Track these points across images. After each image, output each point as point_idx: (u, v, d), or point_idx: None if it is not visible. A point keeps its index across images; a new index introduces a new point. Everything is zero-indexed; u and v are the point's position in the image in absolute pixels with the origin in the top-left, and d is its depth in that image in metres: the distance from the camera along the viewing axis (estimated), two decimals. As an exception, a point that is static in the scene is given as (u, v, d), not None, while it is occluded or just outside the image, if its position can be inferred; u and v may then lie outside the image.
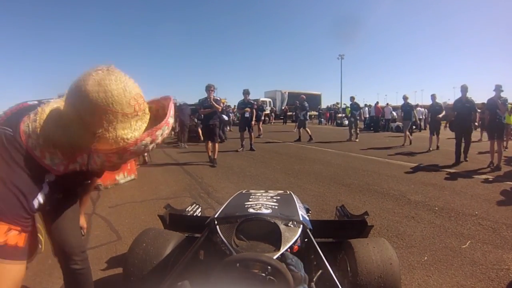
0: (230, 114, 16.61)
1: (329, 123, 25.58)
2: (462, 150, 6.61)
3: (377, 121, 17.71)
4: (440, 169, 6.12)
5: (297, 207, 1.72)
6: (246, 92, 8.87)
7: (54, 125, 0.82)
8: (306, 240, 1.44)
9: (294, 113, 18.68)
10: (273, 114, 27.50)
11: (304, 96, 12.27)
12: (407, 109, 10.07)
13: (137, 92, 0.80)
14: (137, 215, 3.56)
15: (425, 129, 14.82)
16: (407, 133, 9.87)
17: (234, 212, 1.55)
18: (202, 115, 7.10)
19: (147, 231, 1.70)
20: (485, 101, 7.16)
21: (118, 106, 0.74)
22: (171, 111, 0.84)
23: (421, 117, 15.97)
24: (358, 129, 12.11)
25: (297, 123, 12.64)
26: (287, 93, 29.20)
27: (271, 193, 2.03)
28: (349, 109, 13.58)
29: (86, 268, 1.46)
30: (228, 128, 15.64)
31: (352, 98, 12.31)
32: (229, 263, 1.06)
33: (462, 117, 6.57)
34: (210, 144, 6.78)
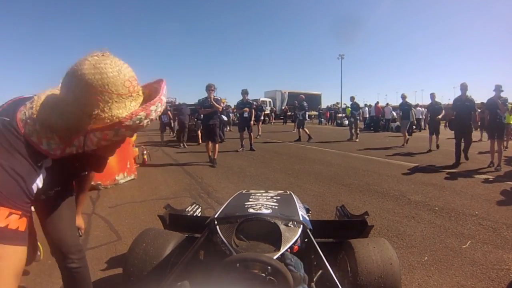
0: (230, 114, 16.62)
1: (329, 123, 25.59)
2: (462, 150, 6.57)
3: (377, 121, 17.71)
4: (440, 169, 6.13)
5: (297, 207, 1.72)
6: (244, 92, 8.86)
7: (51, 110, 0.84)
8: (306, 240, 1.44)
9: (293, 113, 18.68)
10: (273, 114, 27.51)
11: (303, 96, 12.26)
12: (405, 108, 9.95)
13: (132, 75, 0.84)
14: (137, 215, 3.55)
15: (425, 129, 14.80)
16: (404, 133, 9.83)
17: (234, 212, 1.55)
18: (202, 115, 7.10)
19: (147, 231, 1.70)
20: (485, 101, 7.17)
21: (113, 87, 0.78)
22: (163, 91, 0.87)
23: (420, 117, 15.98)
24: (358, 129, 12.12)
25: (296, 123, 12.63)
26: (287, 93, 29.22)
27: (271, 193, 2.03)
28: (349, 109, 13.59)
29: (84, 266, 1.46)
30: (228, 128, 15.65)
31: (352, 98, 12.32)
32: (229, 263, 1.06)
33: (461, 116, 6.49)
34: (210, 144, 6.78)
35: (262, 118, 13.97)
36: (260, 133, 13.06)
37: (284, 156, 8.00)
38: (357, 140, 11.44)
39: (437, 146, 8.51)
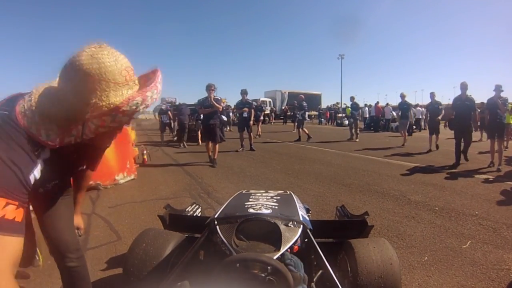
0: (230, 114, 16.63)
1: (329, 123, 25.59)
2: (461, 150, 6.54)
3: (377, 121, 17.71)
4: (440, 169, 6.12)
5: (297, 207, 1.72)
6: (244, 92, 8.85)
7: (49, 100, 0.86)
8: (306, 240, 1.44)
9: (292, 113, 18.67)
10: (273, 114, 27.52)
11: (303, 96, 12.26)
12: (404, 108, 9.87)
13: (128, 65, 0.86)
14: (137, 215, 3.55)
15: (425, 129, 14.80)
16: (403, 133, 9.78)
17: (234, 212, 1.55)
18: (202, 115, 7.08)
19: (147, 231, 1.70)
20: (485, 101, 7.15)
21: (111, 75, 0.81)
22: (159, 79, 0.89)
23: (420, 117, 15.97)
24: (358, 129, 12.11)
25: (296, 123, 12.63)
26: (287, 93, 29.21)
27: (271, 193, 2.03)
28: (349, 109, 13.59)
29: (82, 266, 1.46)
30: (228, 128, 15.64)
31: (352, 98, 12.32)
32: (229, 263, 1.06)
33: (461, 116, 6.40)
34: (210, 144, 6.77)
35: (261, 118, 13.95)
36: (259, 133, 13.02)
37: (284, 156, 8.00)
38: (357, 140, 11.44)
39: (437, 147, 8.46)
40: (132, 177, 5.29)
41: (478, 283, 2.12)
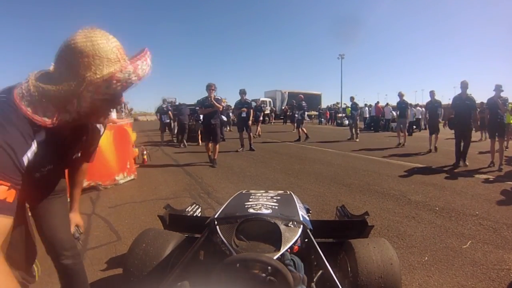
0: (230, 114, 16.62)
1: (329, 123, 25.58)
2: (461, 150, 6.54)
3: (377, 121, 17.70)
4: (440, 169, 6.12)
5: (297, 207, 1.72)
6: (242, 92, 8.84)
7: (45, 81, 0.91)
8: (306, 240, 1.44)
9: (291, 113, 18.63)
10: (273, 114, 27.51)
11: (302, 96, 12.27)
12: (402, 107, 9.80)
13: (118, 44, 0.92)
14: (137, 215, 3.55)
15: (425, 128, 14.79)
16: (400, 133, 9.71)
17: (234, 212, 1.55)
18: (202, 115, 7.07)
19: (146, 231, 1.70)
20: (485, 101, 7.13)
21: (104, 52, 0.87)
22: (147, 54, 0.95)
23: (420, 116, 15.96)
24: (358, 129, 12.11)
25: (295, 123, 12.63)
26: (287, 93, 29.20)
27: (271, 193, 2.02)
28: (349, 109, 13.60)
29: (78, 263, 1.47)
30: (228, 128, 15.64)
31: (351, 98, 12.33)
32: (229, 264, 1.06)
33: (461, 115, 6.34)
34: (209, 144, 6.76)
35: (261, 118, 13.93)
36: (258, 133, 12.97)
37: (284, 156, 7.99)
38: (357, 140, 11.43)
39: (435, 149, 8.20)
40: (132, 177, 5.29)
41: (478, 283, 2.12)
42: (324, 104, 31.86)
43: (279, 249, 1.24)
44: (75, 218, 1.53)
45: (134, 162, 5.88)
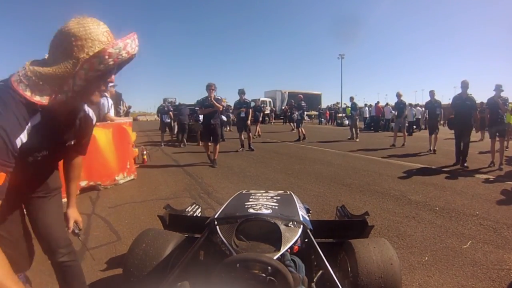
0: (231, 115, 16.62)
1: (330, 123, 25.58)
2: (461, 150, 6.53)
3: (377, 120, 17.71)
4: (440, 169, 6.12)
5: (297, 207, 1.72)
6: (241, 92, 8.83)
7: (42, 63, 0.97)
8: (306, 240, 1.44)
9: (289, 113, 18.64)
10: (273, 114, 27.51)
11: (302, 96, 12.28)
12: (400, 107, 9.78)
13: (108, 29, 0.99)
14: (136, 216, 3.55)
15: (425, 128, 14.79)
16: (398, 133, 9.71)
17: (234, 213, 1.54)
18: (201, 115, 7.05)
19: (146, 231, 1.69)
20: (485, 101, 7.13)
21: (95, 36, 0.95)
22: (135, 35, 1.01)
23: (419, 116, 15.96)
24: (358, 129, 12.11)
25: (295, 123, 12.64)
26: (287, 93, 29.19)
27: (271, 193, 2.02)
28: (349, 109, 13.61)
29: (74, 260, 1.48)
30: (228, 128, 15.63)
31: (351, 98, 12.36)
32: (229, 264, 1.06)
33: (462, 115, 6.32)
34: (209, 144, 6.75)
35: (260, 119, 13.92)
36: (257, 133, 12.95)
37: (284, 156, 7.99)
38: (357, 140, 11.44)
39: (434, 151, 8.03)
40: (132, 177, 5.29)
41: (478, 283, 2.12)
42: (324, 104, 31.91)
43: (279, 249, 1.24)
44: (73, 214, 1.53)
45: (134, 162, 5.87)
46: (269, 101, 28.63)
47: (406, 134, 10.29)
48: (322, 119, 26.23)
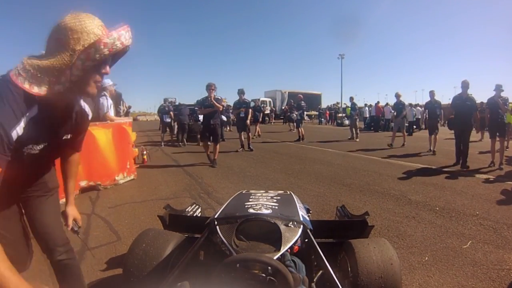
0: (230, 115, 16.62)
1: (330, 123, 25.59)
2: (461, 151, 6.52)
3: (377, 120, 17.71)
4: (440, 169, 6.12)
5: (297, 207, 1.72)
6: (240, 92, 8.83)
7: (39, 57, 1.00)
8: (306, 240, 1.44)
9: (289, 113, 18.64)
10: (273, 114, 27.51)
11: (301, 96, 12.28)
12: (399, 108, 9.76)
13: (102, 23, 1.03)
14: (136, 216, 3.55)
15: (425, 128, 14.79)
16: (397, 133, 9.69)
17: (234, 213, 1.54)
18: (201, 115, 7.05)
19: (146, 231, 1.69)
20: (485, 101, 7.12)
21: (90, 29, 0.99)
22: (128, 27, 1.04)
23: (419, 116, 15.96)
24: (358, 129, 12.11)
25: (295, 123, 12.64)
26: (287, 93, 29.20)
27: (271, 193, 2.02)
28: (349, 109, 13.63)
29: (72, 258, 1.49)
30: (228, 128, 15.63)
31: (351, 98, 12.38)
32: (229, 264, 1.06)
33: (462, 116, 6.30)
34: (208, 144, 6.74)
35: (260, 119, 13.91)
36: (257, 133, 12.93)
37: (284, 156, 7.99)
38: (357, 140, 11.44)
39: (434, 152, 7.94)
40: (132, 177, 5.29)
41: (478, 283, 2.12)
42: (324, 104, 31.92)
43: (279, 249, 1.24)
44: (72, 212, 1.52)
45: (134, 162, 5.87)
46: (269, 101, 28.64)
47: (406, 134, 10.28)
48: (322, 119, 26.24)
